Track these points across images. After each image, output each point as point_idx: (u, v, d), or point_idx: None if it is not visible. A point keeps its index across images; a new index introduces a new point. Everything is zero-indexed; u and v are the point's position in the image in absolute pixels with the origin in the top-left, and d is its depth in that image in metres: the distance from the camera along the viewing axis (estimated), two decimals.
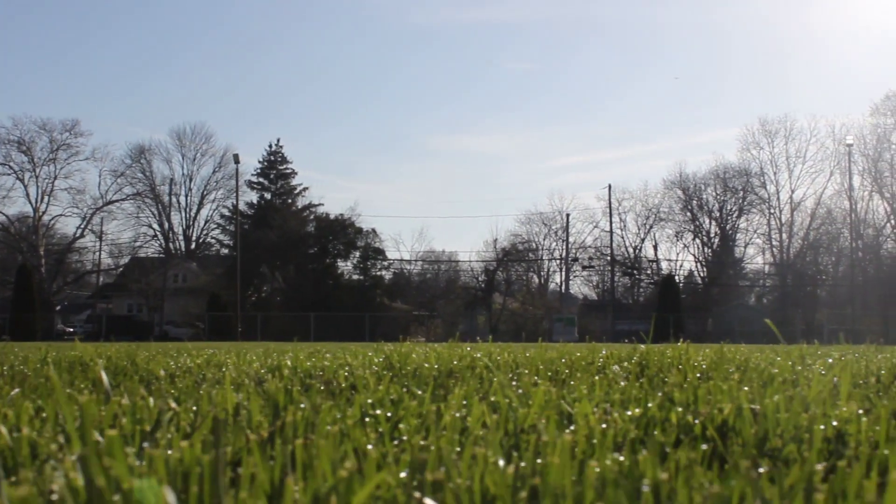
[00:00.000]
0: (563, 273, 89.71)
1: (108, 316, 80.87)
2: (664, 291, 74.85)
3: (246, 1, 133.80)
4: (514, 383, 3.72)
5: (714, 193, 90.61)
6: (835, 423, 2.81)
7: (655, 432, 2.65)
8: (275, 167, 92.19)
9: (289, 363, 6.53)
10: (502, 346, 7.98)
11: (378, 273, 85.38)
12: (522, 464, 1.68)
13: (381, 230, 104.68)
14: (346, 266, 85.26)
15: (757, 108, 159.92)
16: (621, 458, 1.74)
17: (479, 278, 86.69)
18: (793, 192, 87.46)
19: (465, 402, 3.16)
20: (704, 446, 2.28)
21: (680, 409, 2.88)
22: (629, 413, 2.89)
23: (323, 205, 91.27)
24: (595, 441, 2.19)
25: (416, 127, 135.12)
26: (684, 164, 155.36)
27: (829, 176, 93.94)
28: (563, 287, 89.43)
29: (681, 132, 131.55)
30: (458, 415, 2.80)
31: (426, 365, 6.19)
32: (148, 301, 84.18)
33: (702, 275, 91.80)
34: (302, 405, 2.90)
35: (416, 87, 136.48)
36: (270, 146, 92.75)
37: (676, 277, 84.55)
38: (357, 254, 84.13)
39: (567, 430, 2.67)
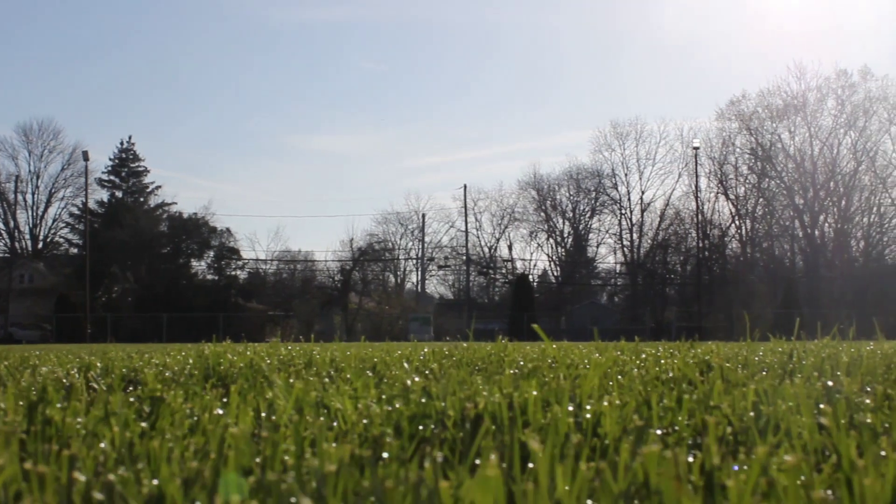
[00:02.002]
0: (420, 272, 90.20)
1: None
2: (518, 290, 75.81)
3: None
4: (291, 380, 3.71)
5: (567, 194, 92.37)
6: (588, 416, 2.88)
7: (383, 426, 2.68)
8: (126, 165, 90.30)
9: (99, 364, 6.39)
10: (325, 345, 7.99)
11: (233, 273, 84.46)
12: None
13: (236, 229, 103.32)
14: (199, 266, 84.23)
15: (609, 111, 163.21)
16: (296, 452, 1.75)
17: (336, 278, 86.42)
18: (643, 193, 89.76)
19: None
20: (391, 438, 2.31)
21: (442, 404, 2.92)
22: (388, 408, 2.92)
23: (176, 203, 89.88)
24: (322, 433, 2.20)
25: (273, 126, 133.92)
26: (538, 165, 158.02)
27: (678, 178, 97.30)
28: (420, 286, 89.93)
29: (535, 134, 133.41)
30: (219, 412, 2.78)
31: (241, 365, 6.15)
32: None
33: (555, 274, 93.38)
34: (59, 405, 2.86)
35: (272, 86, 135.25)
36: (122, 143, 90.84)
37: (530, 276, 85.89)
38: (211, 253, 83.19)
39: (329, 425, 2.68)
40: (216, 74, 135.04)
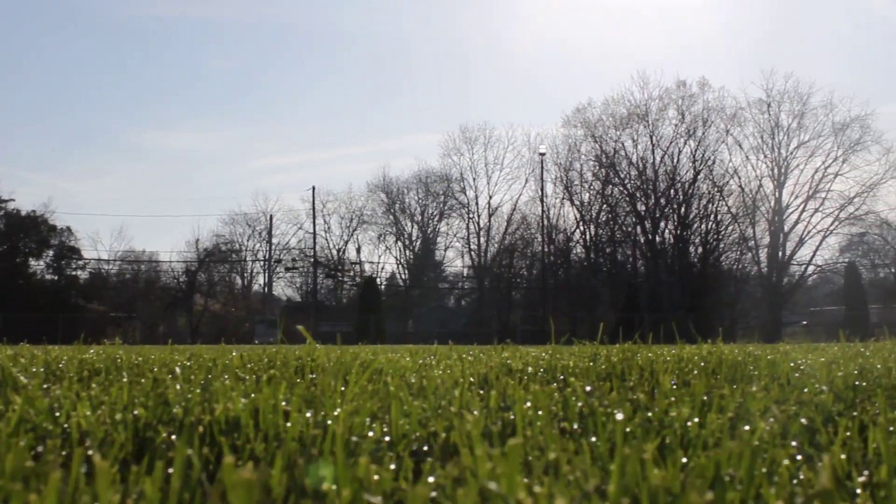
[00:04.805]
0: (267, 274, 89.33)
1: None
2: (366, 293, 75.81)
3: None
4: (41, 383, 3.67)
5: (416, 197, 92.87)
6: (329, 422, 2.92)
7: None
8: None
9: None
10: (130, 348, 7.87)
11: (73, 273, 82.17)
12: None
13: (79, 228, 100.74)
14: (38, 265, 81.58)
15: (458, 115, 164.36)
16: None
17: (181, 279, 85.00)
18: (490, 197, 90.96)
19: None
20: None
21: (177, 410, 2.93)
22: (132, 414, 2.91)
23: (14, 200, 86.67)
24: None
25: (117, 123, 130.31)
26: (388, 168, 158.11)
27: (525, 183, 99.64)
28: (267, 288, 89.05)
29: (384, 137, 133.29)
30: None
31: (32, 368, 6.02)
32: None
33: (403, 277, 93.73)
34: None
35: (117, 83, 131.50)
36: None
37: (378, 279, 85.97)
38: (51, 252, 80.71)
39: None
40: (59, 69, 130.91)
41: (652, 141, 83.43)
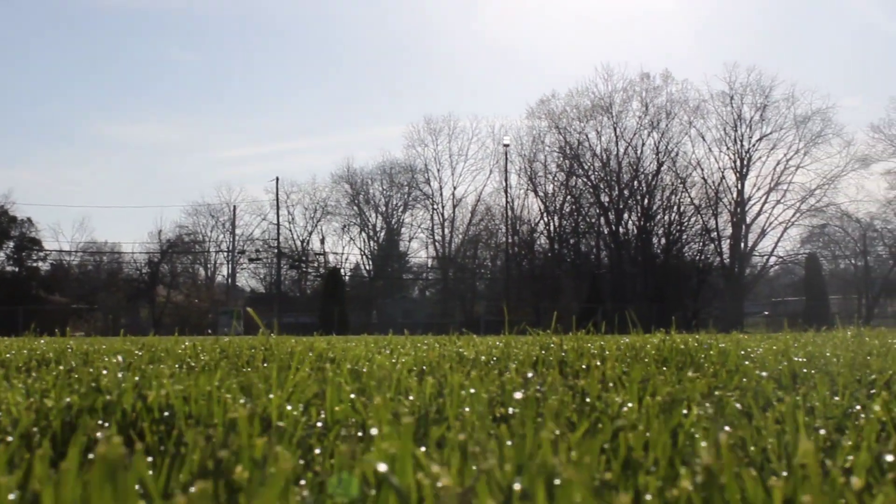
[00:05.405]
0: (231, 265, 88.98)
1: None
2: (329, 284, 75.58)
3: None
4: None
5: (380, 188, 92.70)
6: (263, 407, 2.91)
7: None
8: None
9: None
10: (83, 338, 7.84)
11: (34, 264, 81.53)
12: None
13: (39, 219, 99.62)
14: None
15: (422, 106, 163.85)
16: None
17: (143, 270, 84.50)
18: (455, 188, 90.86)
19: None
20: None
21: (108, 397, 2.91)
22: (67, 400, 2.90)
23: None
24: None
25: (78, 114, 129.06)
26: (352, 159, 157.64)
27: (489, 174, 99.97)
28: (230, 280, 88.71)
29: (349, 127, 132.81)
30: None
31: None
32: None
33: (367, 268, 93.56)
34: None
35: (77, 73, 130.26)
36: None
37: (342, 270, 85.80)
38: (11, 244, 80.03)
39: None
40: (16, 57, 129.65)
41: (616, 133, 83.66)
